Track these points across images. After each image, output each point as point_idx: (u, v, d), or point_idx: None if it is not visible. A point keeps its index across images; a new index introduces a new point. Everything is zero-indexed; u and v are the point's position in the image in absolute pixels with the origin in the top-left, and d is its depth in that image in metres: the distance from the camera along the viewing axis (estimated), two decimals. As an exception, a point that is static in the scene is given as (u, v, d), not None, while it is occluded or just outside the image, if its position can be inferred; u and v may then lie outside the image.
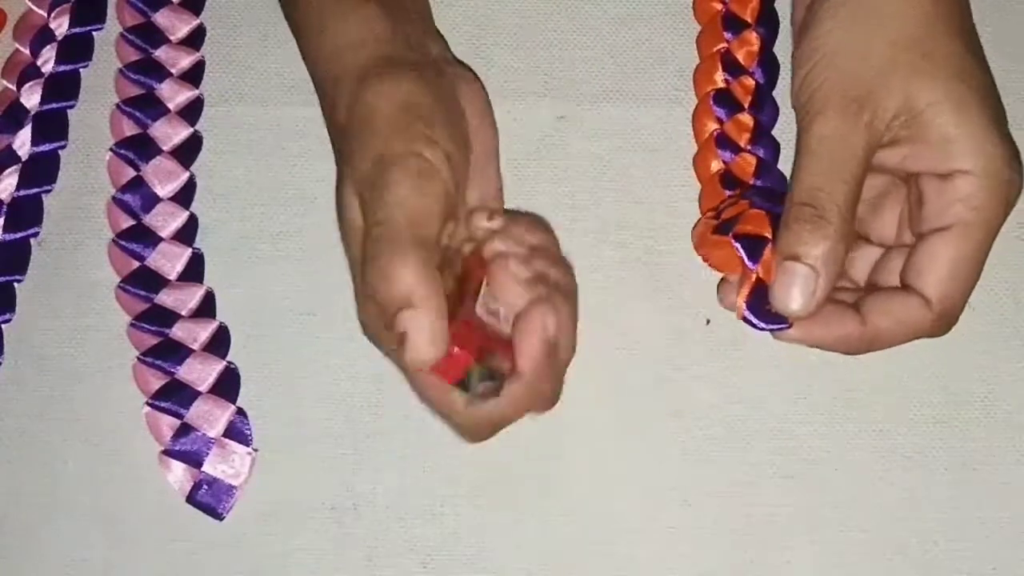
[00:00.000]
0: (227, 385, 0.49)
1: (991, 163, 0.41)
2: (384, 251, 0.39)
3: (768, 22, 0.51)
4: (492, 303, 0.42)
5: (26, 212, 0.50)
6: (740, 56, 0.50)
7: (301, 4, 0.46)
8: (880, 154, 0.42)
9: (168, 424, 0.48)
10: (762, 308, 0.42)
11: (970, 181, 0.41)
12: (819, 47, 0.43)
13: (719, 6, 0.51)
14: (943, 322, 0.42)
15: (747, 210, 0.44)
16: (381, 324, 0.40)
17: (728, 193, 0.48)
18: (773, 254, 0.42)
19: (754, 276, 0.42)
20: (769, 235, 0.42)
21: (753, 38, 0.50)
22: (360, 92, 0.42)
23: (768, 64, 0.51)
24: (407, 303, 0.39)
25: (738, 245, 0.42)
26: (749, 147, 0.49)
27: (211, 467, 0.48)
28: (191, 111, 0.52)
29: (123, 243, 0.50)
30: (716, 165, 0.49)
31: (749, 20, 0.51)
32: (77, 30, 0.53)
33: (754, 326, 0.42)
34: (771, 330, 0.42)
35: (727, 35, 0.50)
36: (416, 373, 0.42)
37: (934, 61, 0.42)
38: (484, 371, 0.41)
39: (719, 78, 0.50)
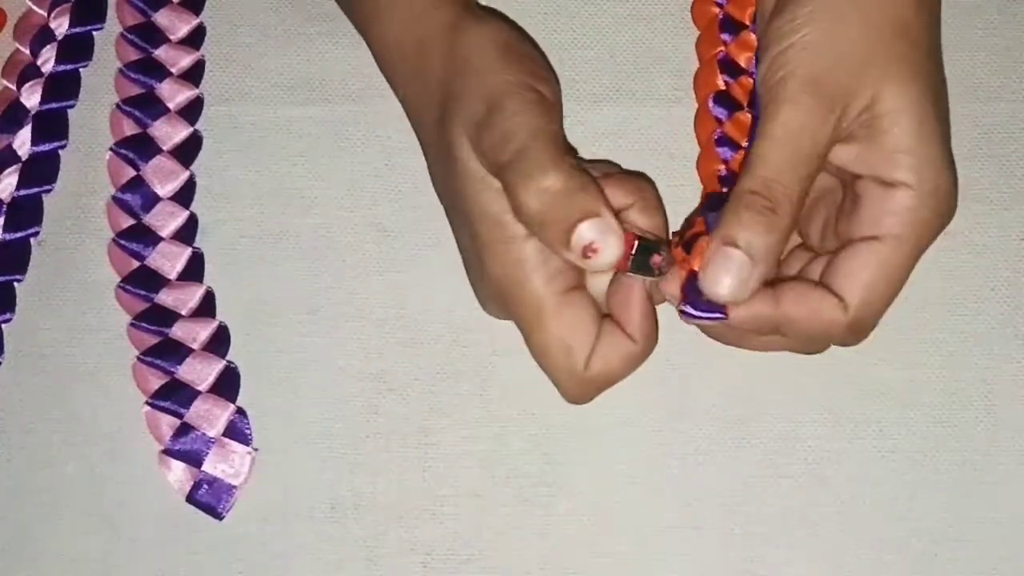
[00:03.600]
0: (227, 385, 0.49)
1: (936, 183, 0.41)
2: (538, 167, 0.39)
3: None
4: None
5: (26, 212, 0.50)
6: (739, 59, 0.50)
7: None
8: (837, 151, 0.42)
9: (168, 424, 0.48)
10: (699, 299, 0.41)
11: (911, 196, 0.40)
12: (795, 28, 0.41)
13: (716, 10, 0.51)
14: (855, 330, 0.42)
15: (703, 235, 0.42)
16: (522, 276, 0.41)
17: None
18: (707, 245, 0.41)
19: (688, 267, 0.41)
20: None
21: (752, 40, 0.50)
22: (458, 39, 0.43)
23: None
24: (586, 212, 0.39)
25: (675, 239, 0.42)
26: (746, 145, 0.49)
27: (211, 467, 0.48)
28: (191, 111, 0.52)
29: (123, 243, 0.50)
30: (719, 167, 0.49)
31: (747, 23, 0.51)
32: (77, 30, 0.53)
33: (691, 316, 0.41)
34: (708, 319, 0.41)
35: (725, 38, 0.50)
36: (542, 333, 0.41)
37: (907, 66, 0.41)
38: (647, 244, 0.41)
39: (719, 82, 0.50)
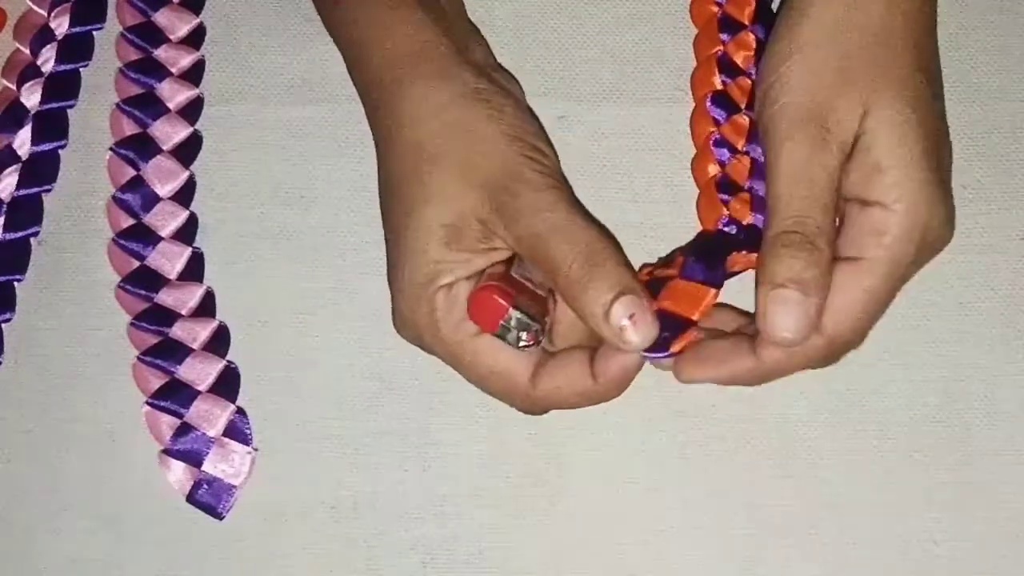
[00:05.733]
0: (227, 384, 0.49)
1: (915, 203, 0.40)
2: (596, 267, 0.40)
3: (765, 23, 0.51)
4: (526, 272, 0.43)
5: (26, 212, 0.50)
6: (737, 58, 0.50)
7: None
8: None
9: (168, 423, 0.48)
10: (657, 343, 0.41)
11: (887, 217, 0.40)
12: (780, 61, 0.42)
13: (715, 8, 0.51)
14: (831, 353, 0.42)
15: (676, 279, 0.43)
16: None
17: (723, 197, 0.48)
18: (695, 335, 0.41)
19: (657, 306, 0.42)
20: (694, 316, 0.41)
21: (750, 39, 0.50)
22: (438, 96, 0.43)
23: None
24: (625, 290, 0.40)
25: (646, 273, 0.43)
26: (746, 148, 0.49)
27: (211, 466, 0.48)
28: (191, 110, 0.52)
29: (123, 242, 0.50)
30: (714, 169, 0.49)
31: (746, 22, 0.50)
32: (77, 29, 0.53)
33: (650, 359, 0.42)
34: (655, 359, 0.42)
35: (723, 37, 0.50)
36: (477, 363, 0.42)
37: (889, 85, 0.41)
38: (522, 318, 0.41)
39: (716, 81, 0.50)
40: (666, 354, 0.41)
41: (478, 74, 0.44)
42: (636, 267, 0.49)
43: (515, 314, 0.41)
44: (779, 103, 0.42)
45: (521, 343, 0.41)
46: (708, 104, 0.50)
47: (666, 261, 0.47)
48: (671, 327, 0.41)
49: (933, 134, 0.41)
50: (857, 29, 0.42)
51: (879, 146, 0.40)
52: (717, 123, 0.50)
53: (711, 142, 0.49)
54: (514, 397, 0.43)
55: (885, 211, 0.40)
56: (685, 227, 0.49)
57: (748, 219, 0.47)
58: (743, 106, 0.49)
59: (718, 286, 0.42)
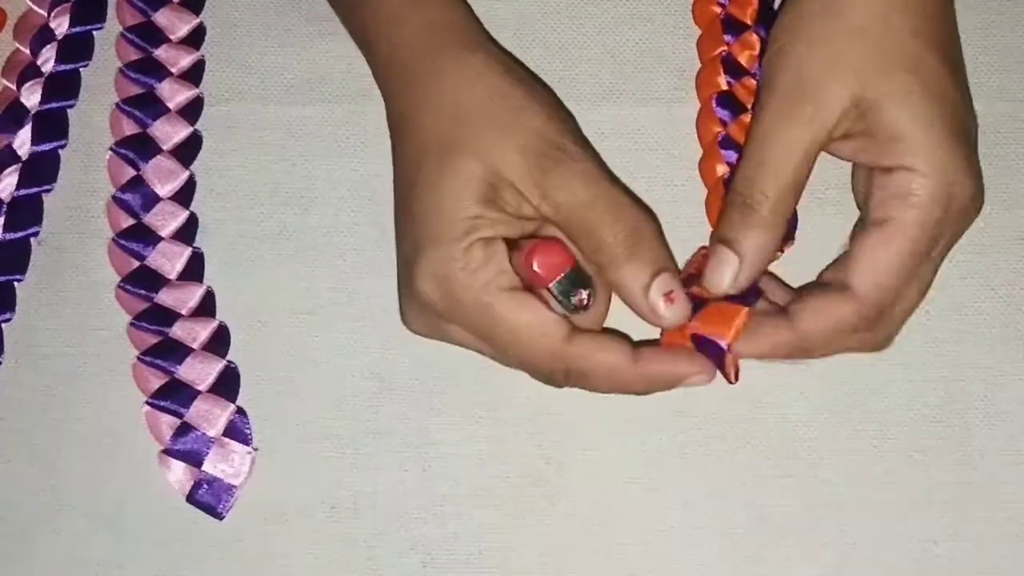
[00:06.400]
0: (227, 384, 0.49)
1: (938, 165, 0.41)
2: (639, 242, 0.41)
3: (768, 23, 0.51)
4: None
5: (26, 212, 0.50)
6: (741, 58, 0.50)
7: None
8: (835, 147, 0.43)
9: (168, 423, 0.48)
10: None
11: (910, 177, 0.41)
12: (776, 39, 0.43)
13: (718, 9, 0.51)
14: (872, 320, 0.42)
15: (709, 298, 0.43)
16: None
17: None
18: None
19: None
20: (728, 337, 0.42)
21: (754, 40, 0.50)
22: (472, 67, 0.44)
23: None
24: (665, 268, 0.41)
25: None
26: None
27: (211, 466, 0.48)
28: (191, 110, 0.52)
29: (123, 242, 0.50)
30: (722, 169, 0.49)
31: (749, 22, 0.50)
32: (77, 29, 0.53)
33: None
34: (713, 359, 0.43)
35: (727, 38, 0.50)
36: (510, 318, 0.42)
37: (888, 56, 0.41)
38: (579, 276, 0.42)
39: (721, 81, 0.50)
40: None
41: (506, 54, 0.45)
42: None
43: (573, 271, 0.42)
44: (766, 75, 0.43)
45: (574, 300, 0.42)
46: (714, 105, 0.50)
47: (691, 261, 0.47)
48: (708, 350, 0.42)
49: (949, 102, 0.42)
50: (860, 8, 0.42)
51: (891, 112, 0.41)
52: (724, 123, 0.50)
53: (718, 142, 0.49)
54: (543, 356, 0.42)
55: (908, 172, 0.41)
56: (686, 227, 0.49)
57: None
58: (749, 106, 0.49)
59: (751, 305, 0.43)
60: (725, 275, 0.42)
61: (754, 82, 0.50)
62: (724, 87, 0.50)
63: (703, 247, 0.47)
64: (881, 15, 0.42)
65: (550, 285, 0.42)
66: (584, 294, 0.42)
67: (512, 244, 0.43)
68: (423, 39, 0.45)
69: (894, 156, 0.41)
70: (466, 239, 0.42)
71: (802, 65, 0.42)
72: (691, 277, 0.44)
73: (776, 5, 0.51)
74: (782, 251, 0.44)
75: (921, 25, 0.42)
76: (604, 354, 0.42)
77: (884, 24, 0.42)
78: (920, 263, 0.42)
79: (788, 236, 0.45)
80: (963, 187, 0.41)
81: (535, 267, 0.41)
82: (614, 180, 0.43)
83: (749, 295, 0.43)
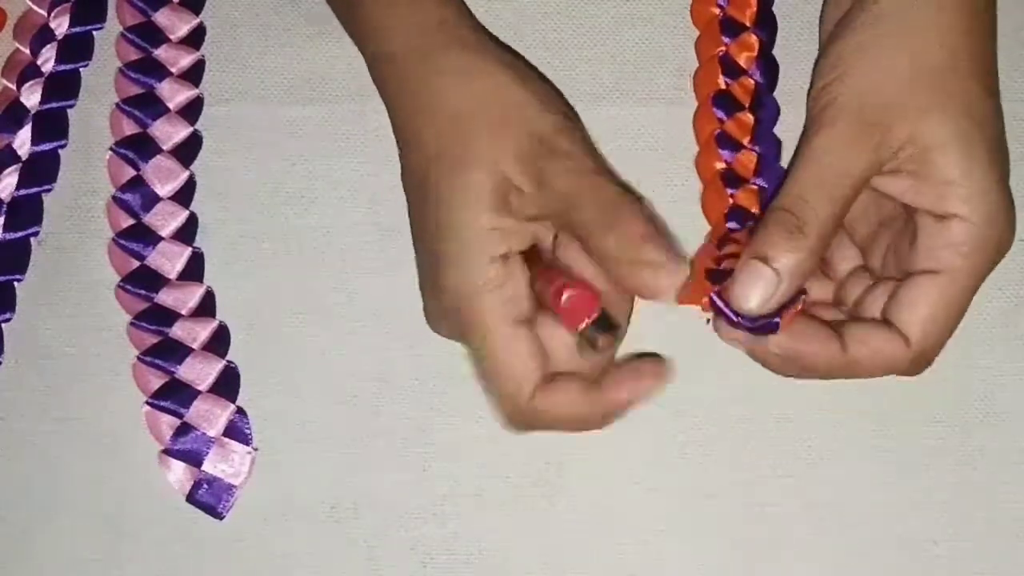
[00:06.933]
0: (227, 384, 0.49)
1: (988, 213, 0.41)
2: (620, 220, 0.41)
3: (767, 25, 0.51)
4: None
5: (26, 212, 0.50)
6: (739, 59, 0.50)
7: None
8: (881, 181, 0.42)
9: (168, 423, 0.48)
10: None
11: (966, 228, 0.41)
12: (844, 60, 0.42)
13: (716, 11, 0.51)
14: (919, 363, 0.42)
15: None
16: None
17: (730, 192, 0.48)
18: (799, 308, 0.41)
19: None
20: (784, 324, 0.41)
21: (752, 40, 0.50)
22: (469, 64, 0.44)
23: (768, 65, 0.51)
24: (653, 261, 0.40)
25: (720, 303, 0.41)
26: (750, 145, 0.49)
27: (211, 466, 0.48)
28: (191, 110, 0.52)
29: (123, 242, 0.50)
30: (718, 165, 0.49)
31: (747, 24, 0.51)
32: (77, 29, 0.53)
33: (747, 328, 0.41)
34: (755, 330, 0.41)
35: (725, 39, 0.50)
36: (492, 357, 0.42)
37: (952, 98, 0.41)
38: (605, 319, 0.42)
39: (719, 81, 0.50)
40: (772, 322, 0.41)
41: (502, 46, 0.45)
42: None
43: (601, 317, 0.41)
44: (828, 98, 0.42)
45: (600, 344, 0.41)
46: (711, 103, 0.50)
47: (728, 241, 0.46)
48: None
49: (996, 144, 0.42)
50: (928, 44, 0.42)
51: (948, 159, 0.41)
52: (721, 122, 0.50)
53: (715, 138, 0.49)
54: (512, 405, 0.42)
55: (963, 223, 0.41)
56: (686, 227, 0.49)
57: (755, 209, 0.47)
58: (746, 104, 0.50)
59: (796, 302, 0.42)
60: (756, 294, 0.40)
61: (751, 82, 0.50)
62: (722, 87, 0.50)
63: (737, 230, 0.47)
64: (951, 55, 0.42)
65: (579, 328, 0.42)
66: (609, 338, 0.42)
67: (532, 259, 0.43)
68: (415, 43, 0.45)
69: (948, 202, 0.41)
70: (482, 256, 0.42)
71: (869, 94, 0.41)
72: (727, 239, 0.43)
73: (776, 7, 0.51)
74: (798, 310, 0.42)
75: (981, 66, 0.42)
76: (568, 415, 0.42)
77: (953, 65, 0.42)
78: (967, 307, 0.42)
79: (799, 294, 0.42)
80: (1008, 232, 0.42)
81: (564, 307, 0.41)
82: (608, 174, 0.42)
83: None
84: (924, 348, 0.42)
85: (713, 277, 0.41)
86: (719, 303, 0.41)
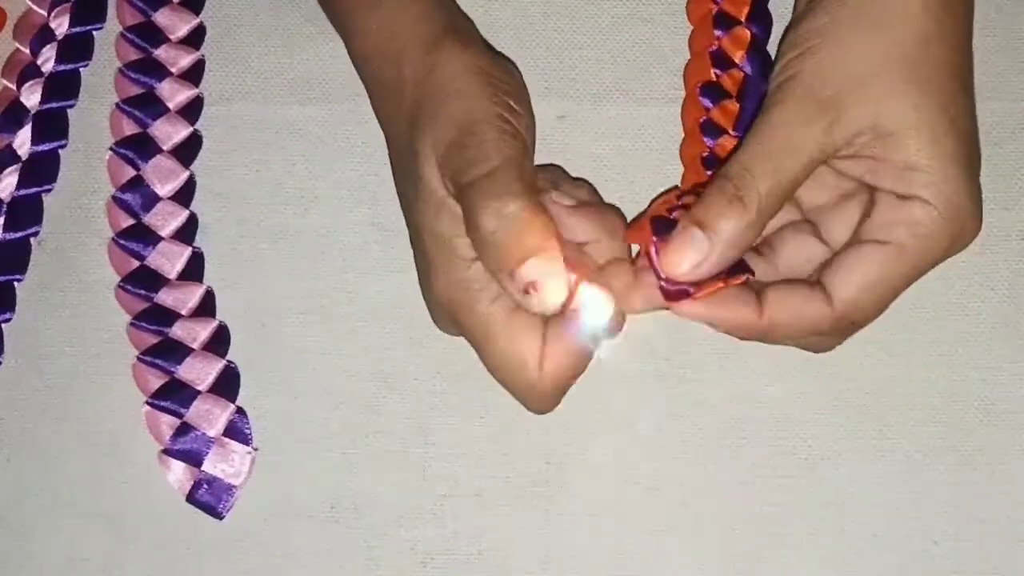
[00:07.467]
0: (227, 384, 0.49)
1: (952, 204, 0.40)
2: (505, 190, 0.39)
3: (761, 20, 0.51)
4: None
5: (26, 212, 0.50)
6: (731, 52, 0.50)
7: None
8: (843, 163, 0.42)
9: (168, 423, 0.48)
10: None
11: (926, 212, 0.40)
12: (808, 39, 0.42)
13: (712, 6, 0.51)
14: (842, 326, 0.41)
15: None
16: (472, 296, 0.41)
17: (709, 174, 0.48)
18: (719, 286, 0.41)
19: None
20: (698, 292, 0.41)
21: (745, 35, 0.50)
22: (437, 59, 0.42)
23: (759, 58, 0.50)
24: (538, 248, 0.39)
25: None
26: (734, 133, 0.49)
27: (211, 466, 0.48)
28: (191, 110, 0.52)
29: (123, 242, 0.50)
30: (701, 151, 0.49)
31: (741, 18, 0.51)
32: (77, 29, 0.53)
33: (661, 289, 0.41)
34: (669, 294, 0.41)
35: (718, 32, 0.50)
36: (493, 351, 0.41)
37: (922, 86, 0.41)
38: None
39: (709, 73, 0.50)
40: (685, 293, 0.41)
41: (462, 41, 0.44)
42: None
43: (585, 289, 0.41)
44: (787, 75, 0.41)
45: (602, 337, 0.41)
46: (698, 93, 0.50)
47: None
48: (663, 226, 0.41)
49: (964, 133, 0.41)
50: (897, 30, 0.41)
51: (912, 144, 0.40)
52: (707, 110, 0.50)
53: (699, 125, 0.49)
54: (527, 388, 0.42)
55: (925, 206, 0.40)
56: (685, 227, 0.49)
57: None
58: (733, 94, 0.49)
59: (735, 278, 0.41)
60: (688, 258, 0.40)
61: (741, 74, 0.50)
62: (712, 78, 0.50)
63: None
64: (922, 42, 0.41)
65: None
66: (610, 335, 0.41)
67: None
68: (384, 47, 0.44)
69: (911, 186, 0.40)
70: (459, 261, 0.41)
71: (831, 73, 0.41)
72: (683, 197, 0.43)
73: (772, 5, 0.52)
74: (725, 284, 0.41)
75: (953, 58, 0.42)
76: (568, 356, 0.41)
77: (924, 53, 0.41)
78: (905, 288, 0.41)
79: (742, 270, 0.42)
80: (971, 222, 0.41)
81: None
82: (513, 162, 0.41)
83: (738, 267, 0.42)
84: (848, 312, 0.41)
85: (659, 226, 0.41)
86: (653, 256, 0.41)
